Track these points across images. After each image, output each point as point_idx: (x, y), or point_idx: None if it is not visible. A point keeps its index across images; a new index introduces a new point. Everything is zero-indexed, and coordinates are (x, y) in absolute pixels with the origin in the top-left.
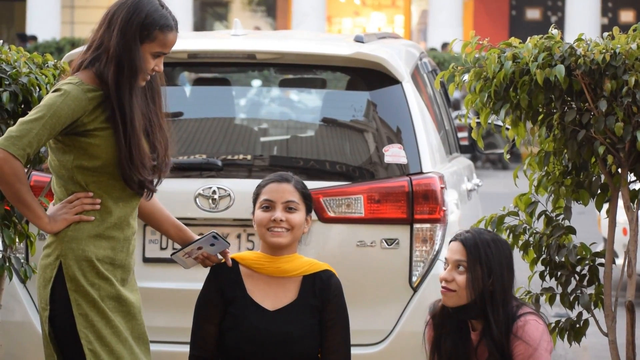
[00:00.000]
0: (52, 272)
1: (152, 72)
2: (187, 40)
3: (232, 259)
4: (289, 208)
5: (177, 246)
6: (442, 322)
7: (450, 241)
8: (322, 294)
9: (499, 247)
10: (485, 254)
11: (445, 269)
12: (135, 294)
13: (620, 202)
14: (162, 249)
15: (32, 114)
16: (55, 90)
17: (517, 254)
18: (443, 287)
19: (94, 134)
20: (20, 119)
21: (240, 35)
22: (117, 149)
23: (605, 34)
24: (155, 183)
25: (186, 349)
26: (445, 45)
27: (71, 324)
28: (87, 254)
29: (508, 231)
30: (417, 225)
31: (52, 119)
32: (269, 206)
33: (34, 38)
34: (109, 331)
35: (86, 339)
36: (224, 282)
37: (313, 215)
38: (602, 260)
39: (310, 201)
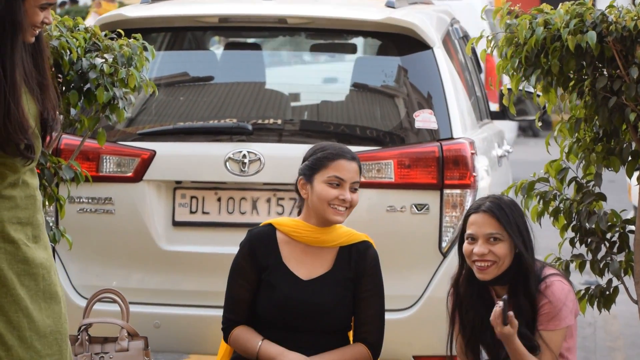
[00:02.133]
0: None
1: (42, 25)
2: (219, 4)
3: (269, 224)
4: (354, 188)
5: None
6: (464, 293)
7: (469, 214)
8: (357, 266)
9: (518, 208)
10: (511, 218)
11: (470, 243)
12: (47, 251)
13: None
14: (191, 212)
15: None
16: None
17: (547, 220)
18: (479, 262)
19: None
20: None
21: (271, 0)
22: None
23: (637, 0)
24: (47, 143)
25: (215, 312)
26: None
27: None
28: None
29: (538, 197)
30: (447, 191)
31: None
32: (339, 184)
33: (75, 1)
34: (8, 300)
35: None
36: (259, 247)
37: None
38: (633, 227)
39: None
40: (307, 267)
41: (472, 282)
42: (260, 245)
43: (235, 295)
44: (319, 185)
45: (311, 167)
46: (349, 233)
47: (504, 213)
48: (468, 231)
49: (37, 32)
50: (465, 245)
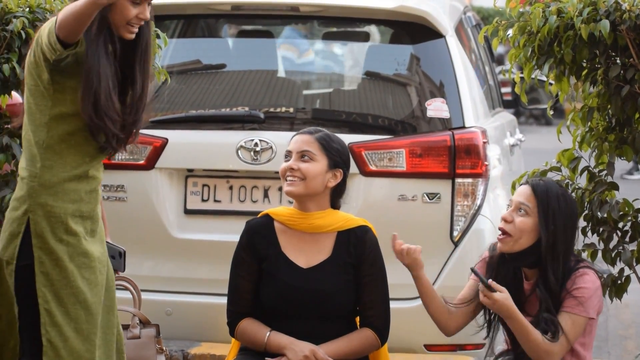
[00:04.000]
0: (19, 227)
1: (139, 20)
2: None
3: (267, 215)
4: (302, 157)
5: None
6: (497, 267)
7: (521, 184)
8: (356, 251)
9: (567, 202)
10: (551, 203)
11: (507, 209)
12: (103, 245)
13: None
14: (203, 200)
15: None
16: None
17: None
18: (501, 230)
19: (65, 76)
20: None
21: None
22: (82, 101)
23: None
24: (125, 140)
25: (226, 300)
26: None
27: (32, 281)
28: (56, 210)
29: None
30: (458, 180)
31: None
32: (288, 156)
33: None
34: (68, 291)
35: (43, 297)
36: (258, 238)
37: (355, 168)
38: None
39: (337, 155)
40: (306, 254)
41: (508, 260)
42: (259, 236)
43: (238, 287)
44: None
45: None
46: (346, 218)
47: (545, 194)
48: (511, 197)
49: (135, 28)
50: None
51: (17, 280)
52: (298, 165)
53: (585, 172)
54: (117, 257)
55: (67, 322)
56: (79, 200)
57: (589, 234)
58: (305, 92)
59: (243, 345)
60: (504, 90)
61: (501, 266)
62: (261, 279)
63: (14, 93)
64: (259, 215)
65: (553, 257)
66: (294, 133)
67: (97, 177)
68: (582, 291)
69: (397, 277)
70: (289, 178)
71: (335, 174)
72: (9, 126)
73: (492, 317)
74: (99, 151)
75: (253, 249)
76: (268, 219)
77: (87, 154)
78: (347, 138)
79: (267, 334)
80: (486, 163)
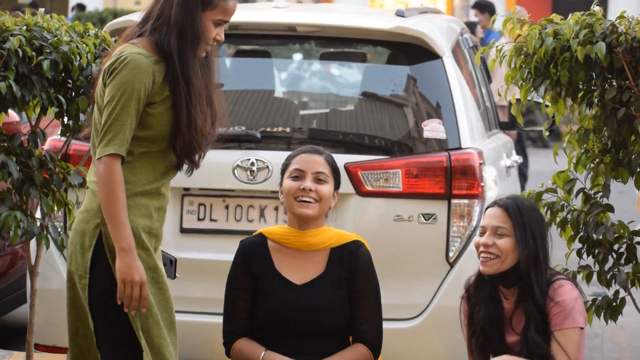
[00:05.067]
0: (91, 241)
1: (214, 41)
2: None
3: (260, 234)
4: (318, 179)
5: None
6: (475, 293)
7: (487, 208)
8: (350, 265)
9: (537, 213)
10: (526, 219)
11: (481, 235)
12: (161, 263)
13: None
14: (199, 219)
15: (115, 103)
16: (122, 61)
17: (554, 231)
18: (484, 253)
19: (155, 105)
20: (108, 110)
21: (281, 7)
22: (178, 119)
23: None
24: (199, 157)
25: (222, 319)
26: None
27: (109, 293)
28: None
29: (546, 208)
30: (454, 201)
31: (135, 103)
32: (299, 176)
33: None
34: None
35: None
36: (252, 257)
37: (351, 188)
38: None
39: (339, 176)
40: (300, 271)
41: (483, 283)
42: (253, 255)
43: (234, 307)
44: (285, 183)
45: (282, 171)
46: (339, 234)
47: (517, 211)
48: (482, 223)
49: (209, 48)
50: (476, 238)
51: (93, 294)
52: (315, 186)
53: (581, 193)
54: (168, 265)
55: (142, 335)
56: (150, 217)
57: (584, 255)
58: (302, 112)
59: None
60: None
61: (479, 291)
62: (256, 297)
63: (10, 111)
64: (252, 235)
65: (536, 270)
66: (294, 152)
67: (167, 195)
68: (564, 304)
69: (393, 297)
70: (304, 199)
71: (335, 194)
72: (6, 145)
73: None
74: (169, 169)
75: (248, 267)
76: (262, 238)
77: (159, 171)
78: (344, 158)
79: (262, 354)
80: (482, 184)
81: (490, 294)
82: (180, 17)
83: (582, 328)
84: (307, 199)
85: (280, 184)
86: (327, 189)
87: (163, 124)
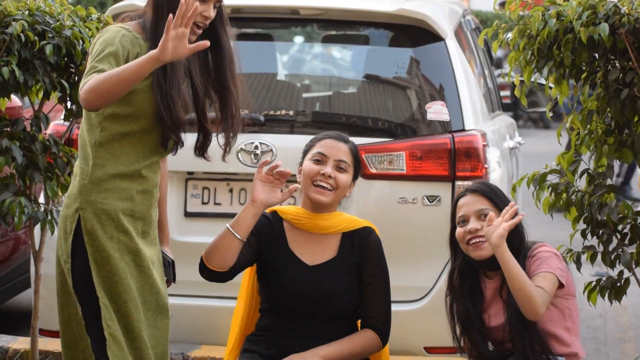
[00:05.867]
0: (71, 225)
1: (204, 19)
2: None
3: (275, 212)
4: (339, 167)
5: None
6: (457, 284)
7: (458, 199)
8: (360, 251)
9: (501, 191)
10: (500, 196)
11: (462, 226)
12: (154, 248)
13: None
14: (203, 203)
15: (94, 55)
16: (106, 30)
17: (559, 211)
18: (475, 239)
19: None
20: (88, 62)
21: None
22: (157, 92)
23: None
24: (226, 144)
25: (227, 303)
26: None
27: (89, 277)
28: (106, 207)
29: (550, 189)
30: (458, 183)
31: (114, 57)
32: (320, 160)
33: None
34: (119, 289)
35: (100, 292)
36: (268, 229)
37: None
38: None
39: (359, 167)
40: (312, 253)
41: (465, 274)
42: (269, 230)
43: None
44: (305, 164)
45: (304, 152)
46: (350, 219)
47: (492, 190)
48: (458, 214)
49: (199, 30)
50: (458, 230)
51: (76, 278)
52: (335, 173)
53: (585, 174)
54: (167, 267)
55: (118, 319)
56: (131, 199)
57: (589, 236)
58: (305, 95)
59: (245, 347)
60: (503, 93)
61: (466, 275)
62: (267, 273)
63: (13, 96)
64: (267, 211)
65: (519, 240)
66: (320, 135)
67: (151, 178)
68: (538, 254)
69: (398, 279)
70: (321, 184)
71: (352, 184)
72: (9, 129)
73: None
74: (152, 152)
75: (260, 236)
76: (277, 216)
77: (141, 154)
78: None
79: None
80: (486, 166)
81: (472, 287)
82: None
83: (561, 284)
84: (325, 185)
85: (301, 163)
86: (345, 178)
87: (144, 102)
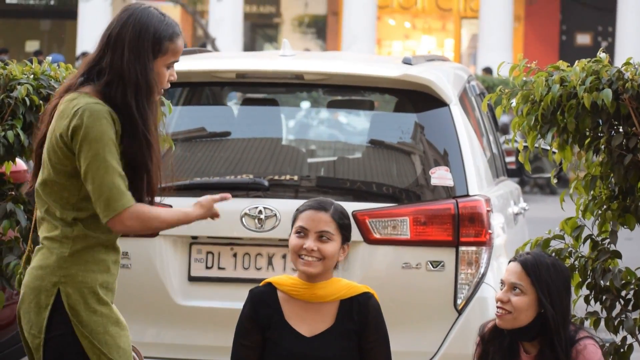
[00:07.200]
0: (48, 299)
1: (169, 82)
2: (236, 59)
3: (269, 283)
4: (321, 237)
5: None
6: (492, 341)
7: (510, 262)
8: (360, 317)
9: (558, 271)
10: (544, 277)
11: (501, 289)
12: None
13: None
14: (207, 267)
15: (98, 163)
16: (89, 116)
17: None
18: (499, 309)
19: None
20: (93, 171)
21: (288, 55)
22: (142, 165)
23: None
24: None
25: None
26: (488, 70)
27: (66, 351)
28: (88, 280)
29: (553, 254)
30: (462, 248)
31: (114, 155)
32: (302, 233)
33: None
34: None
35: None
36: (261, 307)
37: (359, 236)
38: None
39: (348, 231)
40: (309, 323)
41: (503, 333)
42: (263, 305)
43: (241, 357)
44: (291, 238)
45: (292, 223)
46: (348, 286)
47: (537, 269)
48: (502, 277)
49: (162, 91)
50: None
51: (46, 352)
52: (318, 246)
53: (589, 240)
54: None
55: None
56: (107, 271)
57: (592, 302)
58: (309, 160)
59: None
60: (508, 159)
61: (495, 340)
62: (264, 348)
63: (18, 160)
64: (261, 284)
65: (555, 330)
66: (302, 205)
67: (119, 248)
68: (588, 356)
69: (402, 344)
70: (306, 257)
71: (344, 247)
72: (14, 193)
73: None
74: None
75: (257, 318)
76: (271, 288)
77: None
78: (351, 206)
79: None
80: (490, 231)
81: (510, 346)
82: (132, 71)
83: None
84: (310, 258)
85: (289, 234)
86: (331, 246)
87: None
